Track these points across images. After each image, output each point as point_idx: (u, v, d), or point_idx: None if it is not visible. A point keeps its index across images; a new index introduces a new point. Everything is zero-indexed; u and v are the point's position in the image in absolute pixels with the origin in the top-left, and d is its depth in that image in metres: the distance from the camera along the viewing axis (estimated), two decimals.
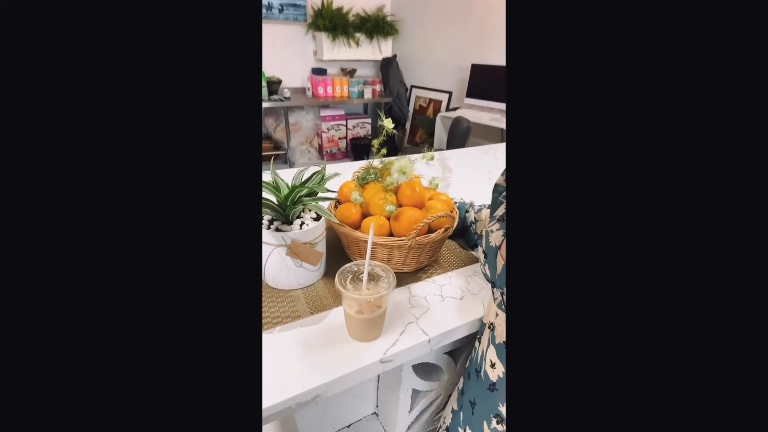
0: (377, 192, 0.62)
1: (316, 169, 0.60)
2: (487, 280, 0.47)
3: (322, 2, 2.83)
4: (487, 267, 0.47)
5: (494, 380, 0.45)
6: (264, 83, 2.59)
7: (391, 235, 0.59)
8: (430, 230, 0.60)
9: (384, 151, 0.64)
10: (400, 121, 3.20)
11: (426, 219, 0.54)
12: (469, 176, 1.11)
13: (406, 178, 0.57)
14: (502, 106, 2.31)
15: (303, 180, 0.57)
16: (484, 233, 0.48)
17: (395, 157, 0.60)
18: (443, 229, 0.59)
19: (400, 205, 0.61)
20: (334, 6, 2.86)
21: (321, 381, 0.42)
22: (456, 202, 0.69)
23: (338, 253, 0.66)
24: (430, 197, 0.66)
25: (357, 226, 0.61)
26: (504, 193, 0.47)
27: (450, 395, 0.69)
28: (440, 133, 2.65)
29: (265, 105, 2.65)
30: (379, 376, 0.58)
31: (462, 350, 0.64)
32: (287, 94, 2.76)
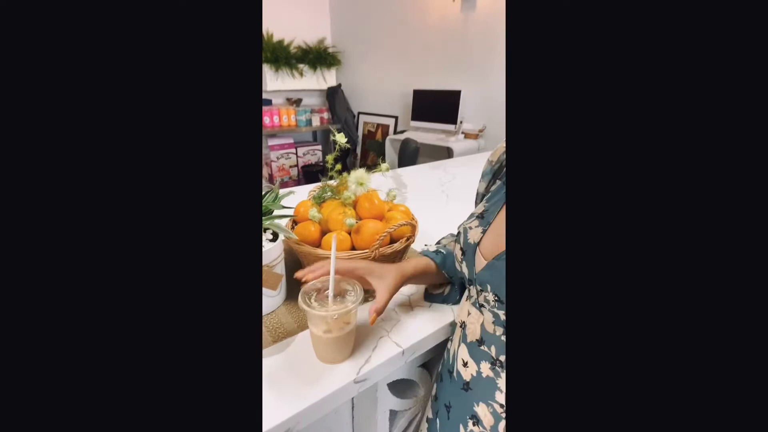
0: (335, 208, 0.60)
1: (268, 189, 0.57)
2: (462, 278, 0.47)
3: (264, 35, 2.85)
4: (464, 264, 0.46)
5: (467, 379, 0.44)
6: None
7: (353, 249, 0.58)
8: (393, 241, 0.59)
9: (339, 166, 0.63)
10: (350, 146, 3.25)
11: (387, 229, 0.54)
12: (424, 189, 1.14)
13: (363, 189, 0.57)
14: (446, 126, 2.46)
15: None
16: (461, 230, 0.47)
17: (357, 170, 0.59)
18: (405, 238, 0.59)
19: (359, 219, 0.61)
20: (275, 39, 2.90)
21: (292, 412, 0.38)
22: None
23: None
24: (389, 209, 0.66)
25: (317, 245, 0.58)
26: (487, 196, 0.48)
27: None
28: (391, 155, 2.72)
29: None
30: (353, 402, 0.55)
31: (436, 361, 0.63)
32: None
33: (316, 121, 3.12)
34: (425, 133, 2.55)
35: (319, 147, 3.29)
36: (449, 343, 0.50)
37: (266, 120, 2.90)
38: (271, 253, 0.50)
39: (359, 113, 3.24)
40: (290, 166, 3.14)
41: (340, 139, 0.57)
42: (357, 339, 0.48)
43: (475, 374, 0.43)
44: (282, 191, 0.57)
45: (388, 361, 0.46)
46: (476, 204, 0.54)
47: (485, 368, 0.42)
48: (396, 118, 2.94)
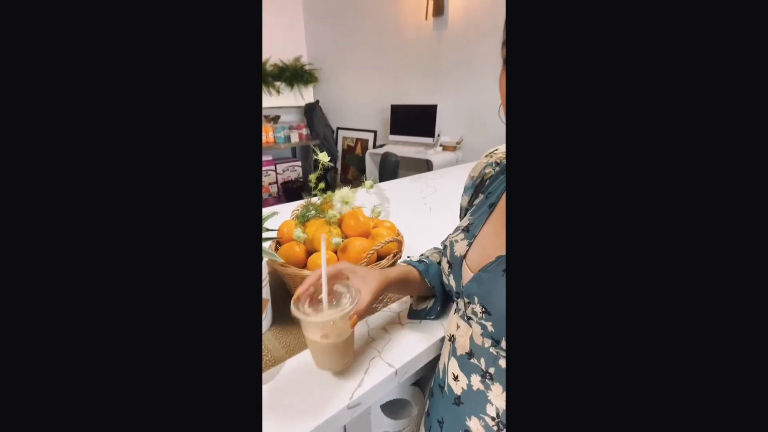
0: (320, 227, 0.59)
1: None
2: (449, 291, 0.47)
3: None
4: (451, 277, 0.46)
5: (458, 393, 0.43)
6: None
7: None
8: (380, 257, 0.59)
9: (322, 185, 0.63)
10: (332, 164, 3.25)
11: (374, 247, 0.54)
12: (407, 203, 1.15)
13: (348, 208, 0.56)
14: (425, 140, 2.50)
15: None
16: (447, 244, 0.47)
17: (342, 189, 0.59)
18: (392, 254, 0.59)
19: (345, 237, 0.60)
20: None
21: None
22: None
23: (285, 298, 0.61)
24: (375, 225, 0.66)
25: (303, 266, 0.57)
26: (471, 209, 0.49)
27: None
28: (371, 168, 2.74)
29: None
30: (345, 428, 0.53)
31: (428, 378, 0.62)
32: None
33: (294, 138, 3.10)
34: (404, 147, 2.59)
35: (299, 163, 3.27)
36: (439, 357, 0.49)
37: None
38: None
39: (338, 128, 3.26)
40: (269, 183, 3.09)
41: (323, 158, 0.57)
42: (353, 366, 0.47)
43: (465, 388, 0.43)
44: (265, 212, 0.56)
45: (382, 383, 0.45)
46: (461, 218, 0.55)
47: (476, 381, 0.42)
48: (375, 132, 2.97)
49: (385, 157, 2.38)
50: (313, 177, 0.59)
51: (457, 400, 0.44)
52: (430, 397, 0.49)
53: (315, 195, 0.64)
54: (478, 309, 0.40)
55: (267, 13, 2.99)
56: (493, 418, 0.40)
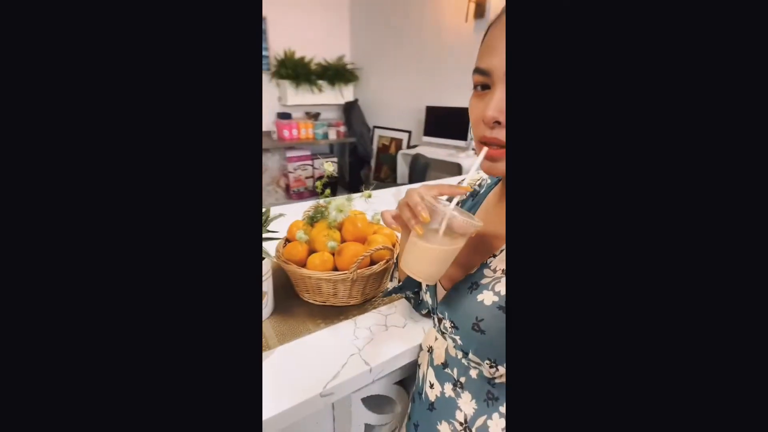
0: (322, 230, 0.65)
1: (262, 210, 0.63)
2: (427, 307, 0.50)
3: (285, 53, 3.00)
4: (427, 295, 0.49)
5: (432, 400, 0.47)
6: None
7: (335, 269, 0.62)
8: (373, 262, 0.63)
9: (328, 191, 0.68)
10: (365, 159, 3.32)
11: (366, 252, 0.58)
12: None
13: (344, 216, 0.61)
14: (458, 142, 2.48)
15: None
16: None
17: (338, 197, 0.64)
18: (384, 260, 0.63)
19: (343, 241, 0.65)
20: (297, 56, 3.04)
21: None
22: None
23: (288, 291, 0.67)
24: (375, 231, 0.70)
25: (303, 264, 0.63)
26: None
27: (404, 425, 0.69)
28: (402, 169, 2.77)
29: None
30: (334, 417, 0.58)
31: (412, 379, 0.65)
32: None
33: (332, 135, 3.22)
34: (437, 149, 2.59)
35: (335, 159, 3.38)
36: (418, 366, 0.53)
37: (285, 133, 3.02)
38: None
39: (374, 127, 3.32)
40: (306, 177, 3.24)
41: (328, 167, 0.62)
42: (329, 355, 0.52)
43: (439, 395, 0.46)
44: (273, 212, 0.62)
45: (356, 378, 0.50)
46: None
47: (448, 389, 0.45)
48: (409, 132, 2.99)
49: (416, 158, 2.40)
50: (319, 184, 0.65)
51: (431, 406, 0.47)
52: (412, 402, 0.53)
53: (322, 199, 0.70)
54: (447, 324, 0.43)
55: (314, 14, 3.11)
56: (461, 423, 0.43)
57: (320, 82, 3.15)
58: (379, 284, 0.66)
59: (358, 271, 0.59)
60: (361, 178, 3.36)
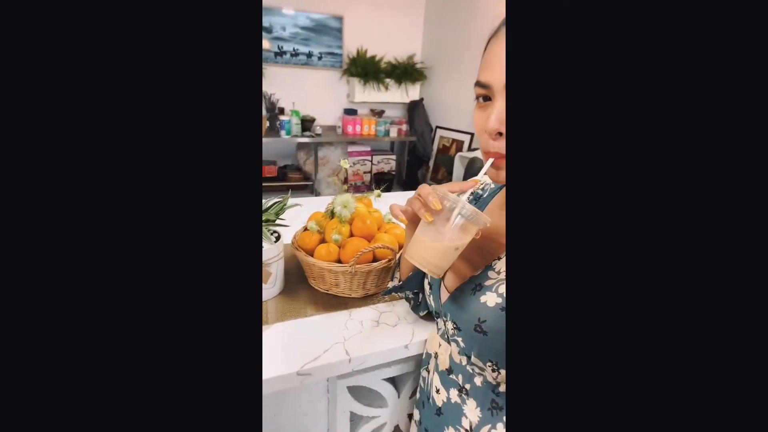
0: (335, 223, 0.69)
1: (279, 199, 0.69)
2: (431, 311, 0.50)
3: (357, 51, 3.12)
4: (431, 298, 0.50)
5: (440, 405, 0.48)
6: (299, 121, 2.86)
7: (338, 261, 0.65)
8: (377, 259, 0.65)
9: (345, 187, 0.72)
10: (423, 159, 3.32)
11: (365, 248, 0.60)
12: None
13: (348, 211, 0.64)
14: None
15: (265, 208, 0.66)
16: None
17: (345, 194, 0.67)
18: (386, 259, 0.65)
19: (352, 236, 0.68)
20: (368, 54, 3.15)
21: None
22: None
23: (299, 274, 0.73)
24: (386, 231, 0.72)
25: (312, 253, 0.68)
26: None
27: (396, 425, 0.70)
28: (458, 171, 2.71)
29: (298, 140, 2.90)
30: (329, 399, 0.62)
31: (405, 378, 0.66)
32: (319, 131, 3.00)
33: (393, 132, 3.27)
34: None
35: (393, 157, 3.43)
36: (426, 372, 0.53)
37: (349, 128, 3.15)
38: (267, 253, 0.62)
39: (437, 127, 3.29)
40: (364, 172, 3.35)
41: (344, 165, 0.66)
42: (316, 339, 0.56)
43: (445, 400, 0.47)
44: (290, 202, 0.68)
45: (335, 364, 0.53)
46: None
47: (453, 395, 0.46)
48: (471, 135, 2.90)
49: (472, 162, 2.33)
50: (334, 180, 0.69)
51: (438, 411, 0.48)
52: (421, 408, 0.54)
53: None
54: (450, 326, 0.44)
55: (390, 14, 3.18)
56: (466, 429, 0.44)
57: (387, 80, 3.22)
58: (381, 282, 0.68)
59: (357, 266, 0.61)
60: (418, 177, 3.36)
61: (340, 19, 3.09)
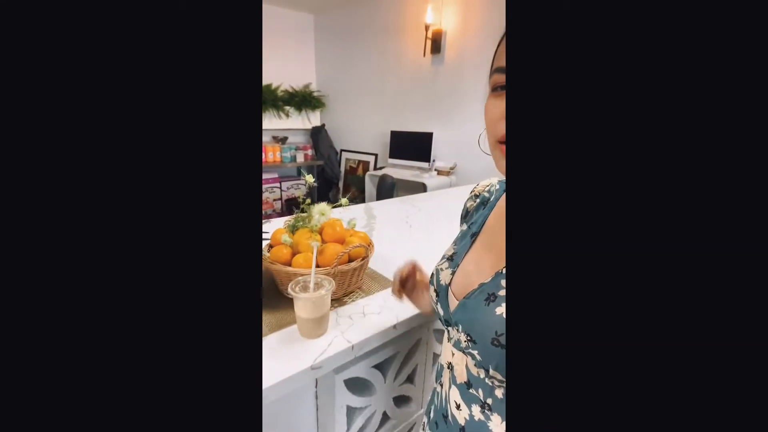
0: (304, 234, 0.74)
1: None
2: (440, 319, 0.47)
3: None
4: (438, 305, 0.47)
5: (462, 423, 0.43)
6: None
7: (318, 266, 0.71)
8: (351, 259, 0.73)
9: (308, 200, 0.77)
10: (332, 181, 3.43)
11: (344, 250, 0.68)
12: (390, 221, 1.29)
13: (325, 218, 0.71)
14: (421, 164, 2.67)
15: None
16: (434, 272, 0.49)
17: (321, 203, 0.74)
18: (361, 258, 0.73)
19: (324, 242, 0.74)
20: (264, 83, 3.15)
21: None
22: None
23: (272, 291, 0.74)
24: (351, 234, 0.80)
25: (288, 264, 0.71)
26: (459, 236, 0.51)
27: (384, 411, 0.77)
28: (370, 189, 2.91)
29: None
30: (317, 405, 0.65)
31: (389, 362, 0.74)
32: None
33: (300, 158, 3.30)
34: (402, 170, 2.76)
35: (303, 182, 3.45)
36: (439, 386, 0.49)
37: None
38: None
39: (342, 150, 3.46)
40: (274, 199, 3.27)
41: (309, 179, 0.72)
42: (314, 340, 0.60)
43: (468, 417, 0.43)
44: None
45: (341, 353, 0.58)
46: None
47: (476, 411, 0.42)
48: (376, 155, 3.16)
49: (383, 178, 2.55)
50: (300, 193, 0.74)
51: (462, 430, 0.43)
52: (435, 428, 0.49)
53: (303, 210, 0.79)
54: (463, 337, 0.41)
55: (281, 46, 3.27)
56: None
57: (287, 107, 3.27)
58: (357, 280, 0.76)
59: (339, 267, 0.68)
60: (329, 198, 3.45)
61: None
